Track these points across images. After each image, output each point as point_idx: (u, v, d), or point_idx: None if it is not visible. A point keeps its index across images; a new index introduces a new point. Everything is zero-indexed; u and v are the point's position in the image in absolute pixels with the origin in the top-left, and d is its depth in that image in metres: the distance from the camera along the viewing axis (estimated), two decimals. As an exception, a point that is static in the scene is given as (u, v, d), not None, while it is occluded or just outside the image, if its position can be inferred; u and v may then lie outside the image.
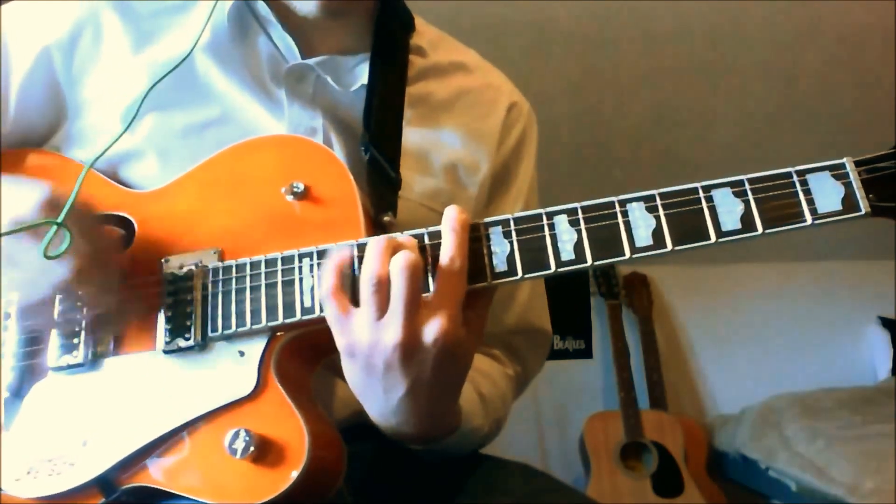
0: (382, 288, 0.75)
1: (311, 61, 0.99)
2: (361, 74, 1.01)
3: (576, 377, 3.31)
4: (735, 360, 3.42)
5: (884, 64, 2.87)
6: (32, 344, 0.88)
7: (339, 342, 0.78)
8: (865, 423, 2.69)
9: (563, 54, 2.84)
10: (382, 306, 0.76)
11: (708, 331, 3.47)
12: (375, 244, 0.77)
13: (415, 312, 0.75)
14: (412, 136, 1.02)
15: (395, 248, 0.77)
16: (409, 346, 0.75)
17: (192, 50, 0.94)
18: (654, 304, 3.39)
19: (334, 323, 0.78)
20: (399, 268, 0.75)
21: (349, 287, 0.78)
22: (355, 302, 0.78)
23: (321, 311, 0.80)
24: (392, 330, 0.75)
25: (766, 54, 2.92)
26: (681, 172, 3.09)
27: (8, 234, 0.80)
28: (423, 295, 0.76)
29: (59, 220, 0.79)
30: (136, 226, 0.91)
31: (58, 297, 0.86)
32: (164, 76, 0.92)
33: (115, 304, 0.85)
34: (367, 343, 0.76)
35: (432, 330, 0.75)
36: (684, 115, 3.09)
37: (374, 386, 0.79)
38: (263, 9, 1.00)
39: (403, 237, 0.80)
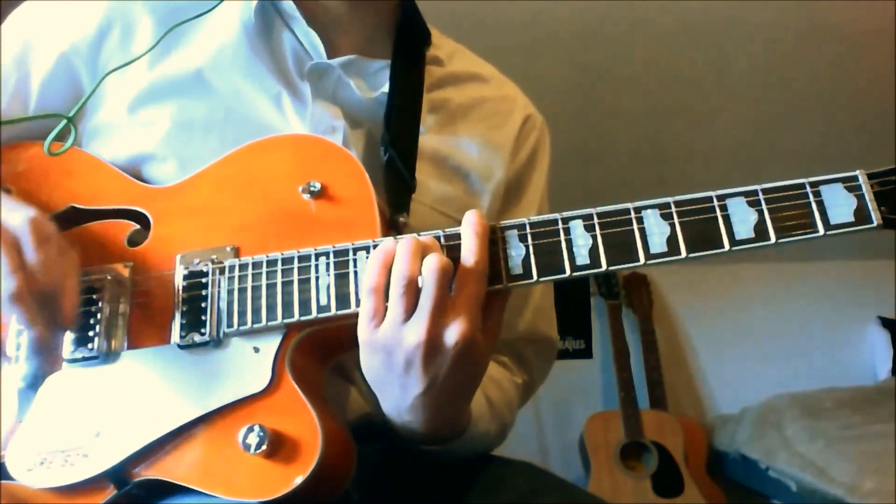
0: (411, 289, 0.76)
1: (335, 62, 1.00)
2: (382, 81, 1.02)
3: (576, 377, 3.31)
4: (735, 360, 3.41)
5: (884, 65, 2.87)
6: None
7: (363, 336, 0.79)
8: (865, 423, 2.69)
9: (560, 52, 2.84)
10: (410, 306, 0.76)
11: (708, 331, 3.47)
12: (405, 245, 0.78)
13: (440, 314, 0.76)
14: (429, 141, 1.03)
15: (423, 251, 0.78)
16: (431, 347, 0.76)
17: (196, 17, 0.95)
18: (654, 304, 3.39)
19: (365, 318, 0.78)
20: (430, 270, 0.76)
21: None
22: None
23: (337, 309, 0.81)
24: (416, 329, 0.76)
25: (765, 53, 2.92)
26: (677, 170, 3.12)
27: (11, 121, 0.82)
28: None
29: (70, 114, 0.80)
30: (151, 220, 0.91)
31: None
32: (154, 45, 0.95)
33: (68, 315, 0.84)
34: (391, 340, 0.77)
35: (453, 332, 0.76)
36: (681, 113, 3.09)
37: (392, 382, 0.80)
38: (289, 6, 1.00)
39: (427, 239, 0.80)
